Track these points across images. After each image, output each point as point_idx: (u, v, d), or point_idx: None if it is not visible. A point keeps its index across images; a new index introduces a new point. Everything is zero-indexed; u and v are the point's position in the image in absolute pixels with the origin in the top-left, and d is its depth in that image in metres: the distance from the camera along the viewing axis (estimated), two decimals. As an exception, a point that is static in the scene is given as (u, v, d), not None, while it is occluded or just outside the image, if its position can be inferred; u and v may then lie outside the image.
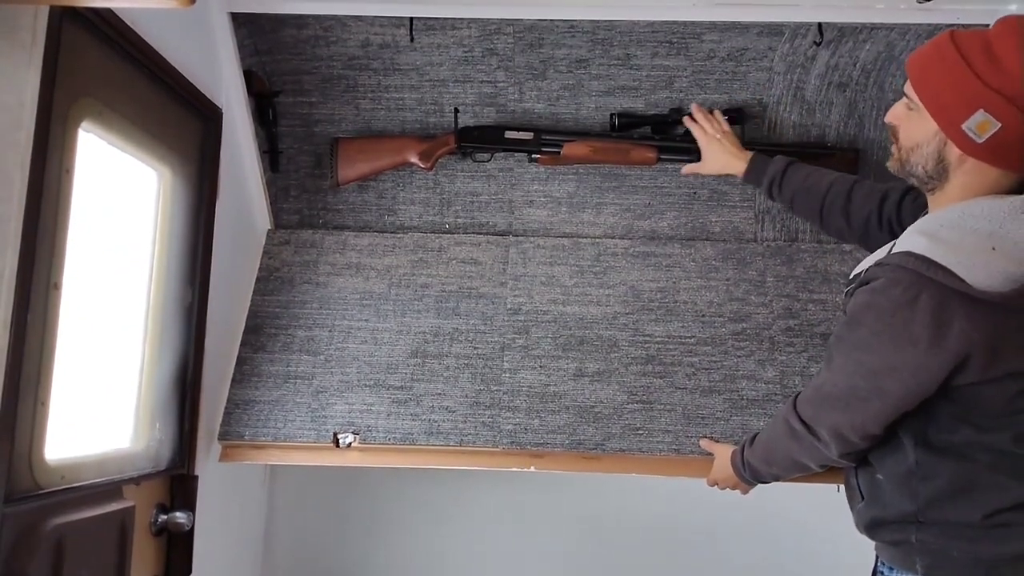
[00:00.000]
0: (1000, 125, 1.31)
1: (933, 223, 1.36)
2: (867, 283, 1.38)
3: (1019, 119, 1.30)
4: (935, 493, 1.36)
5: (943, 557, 1.35)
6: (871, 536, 1.48)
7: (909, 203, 1.67)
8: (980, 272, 1.27)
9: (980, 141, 1.33)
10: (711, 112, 2.03)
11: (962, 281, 1.27)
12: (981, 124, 1.32)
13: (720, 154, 1.96)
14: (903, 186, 1.67)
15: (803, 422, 1.47)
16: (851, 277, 1.53)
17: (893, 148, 1.49)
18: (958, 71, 1.33)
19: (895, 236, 1.66)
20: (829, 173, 1.82)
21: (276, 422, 1.94)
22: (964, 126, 1.33)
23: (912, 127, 1.43)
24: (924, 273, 1.29)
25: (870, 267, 1.41)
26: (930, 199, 1.48)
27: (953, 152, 1.37)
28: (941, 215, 1.37)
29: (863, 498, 1.47)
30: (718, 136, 1.98)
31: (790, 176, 1.85)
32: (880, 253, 1.46)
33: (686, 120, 2.04)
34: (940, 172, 1.40)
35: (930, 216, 1.40)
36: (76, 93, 1.30)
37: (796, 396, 1.52)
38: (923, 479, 1.37)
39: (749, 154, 1.93)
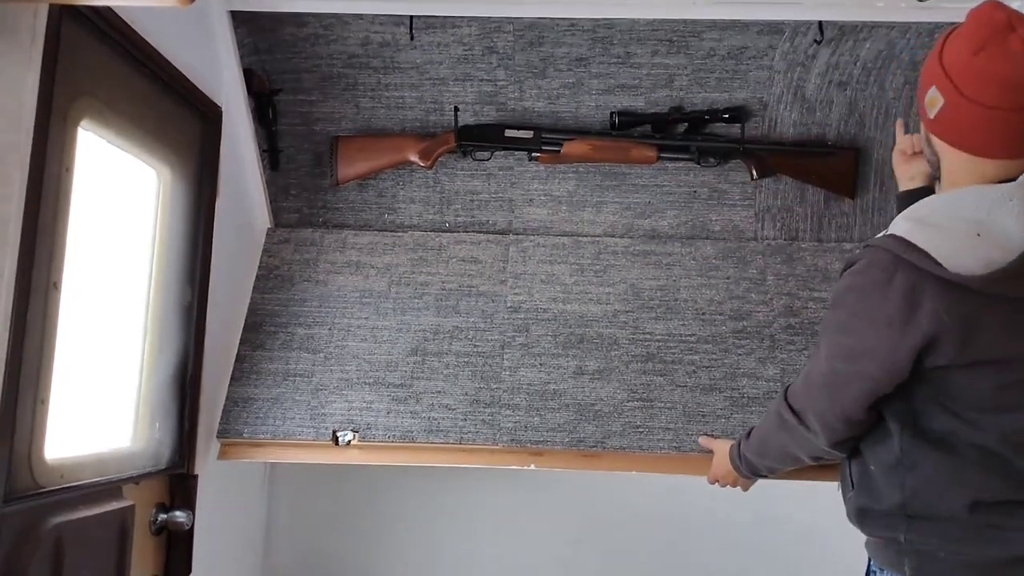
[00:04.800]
0: (944, 101, 1.33)
1: (923, 208, 1.38)
2: (850, 266, 1.40)
3: (956, 96, 1.31)
4: (920, 483, 1.36)
5: (931, 559, 1.35)
6: (860, 527, 1.48)
7: None
8: (964, 257, 1.28)
9: (931, 117, 1.37)
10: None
11: (937, 264, 1.28)
12: (931, 100, 1.36)
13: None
14: None
15: (794, 412, 1.48)
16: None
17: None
18: (931, 52, 1.38)
19: None
20: None
21: (275, 420, 1.94)
22: (924, 101, 1.38)
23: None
24: (900, 255, 1.31)
25: (857, 250, 1.44)
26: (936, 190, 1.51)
27: (933, 135, 1.41)
28: (932, 201, 1.39)
29: (853, 487, 1.48)
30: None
31: None
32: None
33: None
34: (935, 159, 1.42)
35: (922, 202, 1.41)
36: (76, 92, 1.30)
37: (787, 387, 1.53)
38: (909, 469, 1.37)
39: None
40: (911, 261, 1.30)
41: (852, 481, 1.48)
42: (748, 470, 1.67)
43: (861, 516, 1.46)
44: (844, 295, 1.39)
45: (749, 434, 1.66)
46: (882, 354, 1.33)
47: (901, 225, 1.34)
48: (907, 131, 1.80)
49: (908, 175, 1.77)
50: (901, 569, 1.38)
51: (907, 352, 1.31)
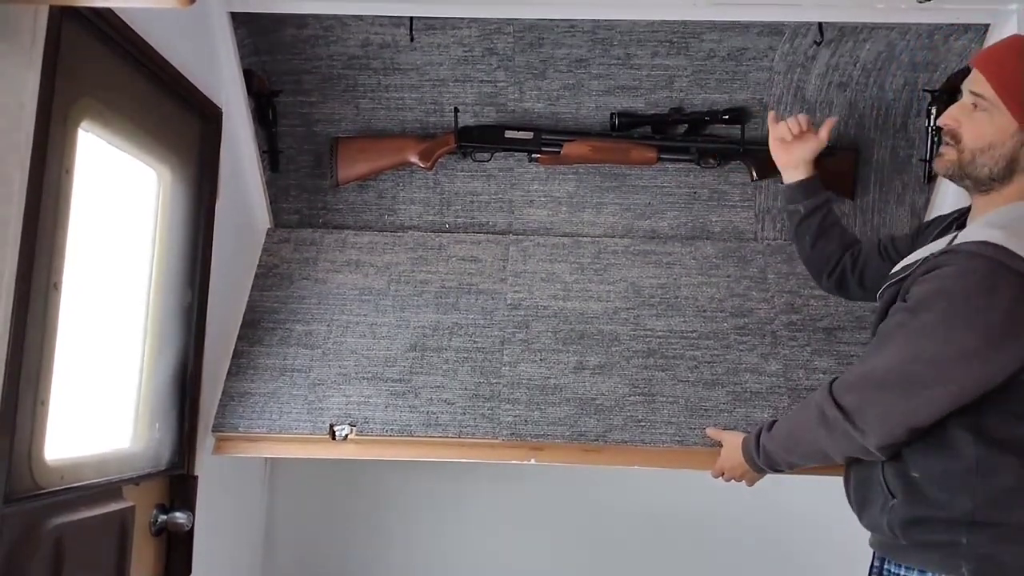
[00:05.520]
0: None
1: (1002, 217, 1.34)
2: (933, 270, 1.36)
3: None
4: (997, 491, 1.31)
5: (994, 562, 1.31)
6: (904, 535, 1.39)
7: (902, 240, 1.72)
8: None
9: None
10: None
11: None
12: None
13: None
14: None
15: (840, 408, 1.40)
16: (895, 271, 1.51)
17: (946, 150, 1.46)
18: None
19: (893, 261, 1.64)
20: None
21: (271, 414, 1.94)
22: None
23: (982, 127, 1.41)
24: (1005, 262, 1.27)
25: (936, 255, 1.38)
26: (979, 200, 1.46)
27: None
28: (1009, 211, 1.36)
29: (894, 496, 1.40)
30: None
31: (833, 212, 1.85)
32: (938, 244, 1.44)
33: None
34: (1006, 173, 1.40)
35: (996, 212, 1.39)
36: (76, 93, 1.30)
37: (832, 382, 1.45)
38: (984, 475, 1.32)
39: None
40: (1019, 270, 1.26)
41: (890, 490, 1.41)
42: (766, 463, 1.60)
43: (910, 525, 1.38)
44: (933, 299, 1.34)
45: (772, 427, 1.59)
46: (976, 362, 1.30)
47: (990, 232, 1.31)
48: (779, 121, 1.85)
49: (792, 164, 1.82)
50: (957, 571, 1.32)
51: (1007, 364, 1.28)
